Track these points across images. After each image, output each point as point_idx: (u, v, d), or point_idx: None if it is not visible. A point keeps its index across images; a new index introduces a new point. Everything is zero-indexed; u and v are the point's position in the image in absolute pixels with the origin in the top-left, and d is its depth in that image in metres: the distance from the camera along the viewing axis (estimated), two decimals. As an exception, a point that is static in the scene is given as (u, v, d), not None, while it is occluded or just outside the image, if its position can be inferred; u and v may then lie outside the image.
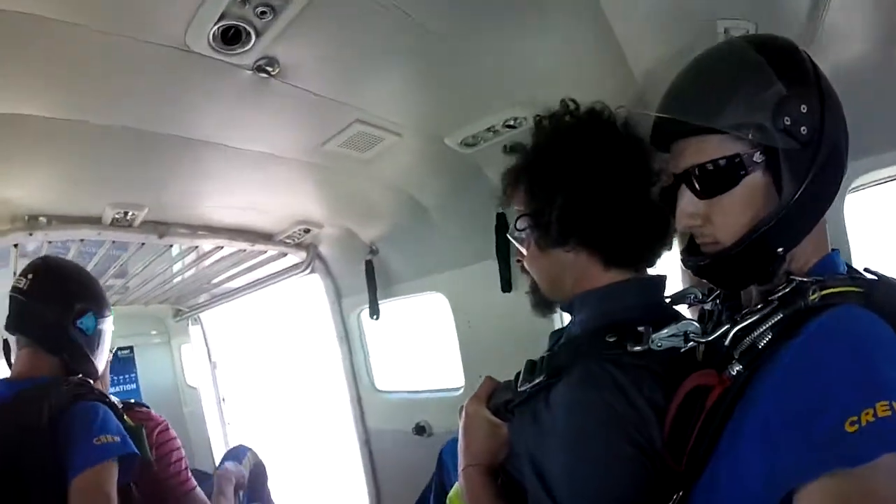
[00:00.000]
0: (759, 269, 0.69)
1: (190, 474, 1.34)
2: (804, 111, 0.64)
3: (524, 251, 0.94)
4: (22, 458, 0.99)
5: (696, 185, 0.70)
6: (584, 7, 0.99)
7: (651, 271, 0.93)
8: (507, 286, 1.69)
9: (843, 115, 0.68)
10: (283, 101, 1.21)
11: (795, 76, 0.66)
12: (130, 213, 1.76)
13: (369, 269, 2.19)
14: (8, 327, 1.22)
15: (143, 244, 1.98)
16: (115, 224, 1.81)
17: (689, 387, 0.68)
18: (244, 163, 1.52)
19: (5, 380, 1.17)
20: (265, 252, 2.32)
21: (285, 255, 2.37)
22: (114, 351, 1.45)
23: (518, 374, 0.87)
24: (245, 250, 2.23)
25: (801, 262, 0.70)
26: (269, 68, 1.07)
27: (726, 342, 0.67)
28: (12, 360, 1.25)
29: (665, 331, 0.73)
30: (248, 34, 0.97)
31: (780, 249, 0.67)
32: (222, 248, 2.17)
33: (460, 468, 0.90)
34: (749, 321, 0.66)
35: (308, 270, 2.44)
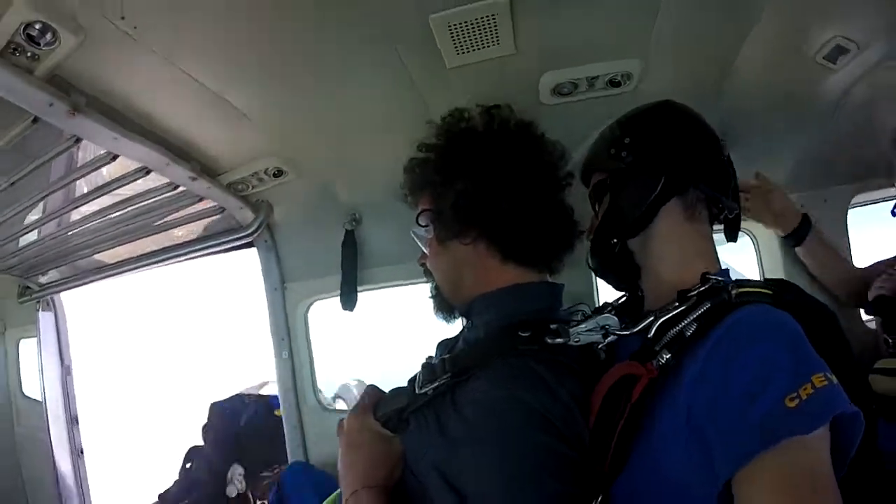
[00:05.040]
0: (607, 256, 0.86)
1: None
2: (627, 143, 0.84)
3: (426, 250, 0.94)
4: None
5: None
6: None
7: None
8: None
9: (675, 149, 0.83)
10: None
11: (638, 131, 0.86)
12: (45, 42, 0.91)
13: (349, 243, 1.64)
14: None
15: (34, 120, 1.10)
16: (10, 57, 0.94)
17: (615, 377, 0.69)
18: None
19: None
20: (196, 201, 1.63)
21: (222, 210, 1.71)
22: None
23: (414, 378, 0.83)
24: (177, 187, 1.49)
25: (690, 273, 0.77)
26: None
27: (650, 334, 0.72)
28: None
29: (584, 325, 0.76)
30: None
31: (614, 240, 0.84)
32: (136, 175, 1.45)
33: (346, 494, 0.79)
34: (673, 313, 0.72)
35: (248, 239, 1.79)
